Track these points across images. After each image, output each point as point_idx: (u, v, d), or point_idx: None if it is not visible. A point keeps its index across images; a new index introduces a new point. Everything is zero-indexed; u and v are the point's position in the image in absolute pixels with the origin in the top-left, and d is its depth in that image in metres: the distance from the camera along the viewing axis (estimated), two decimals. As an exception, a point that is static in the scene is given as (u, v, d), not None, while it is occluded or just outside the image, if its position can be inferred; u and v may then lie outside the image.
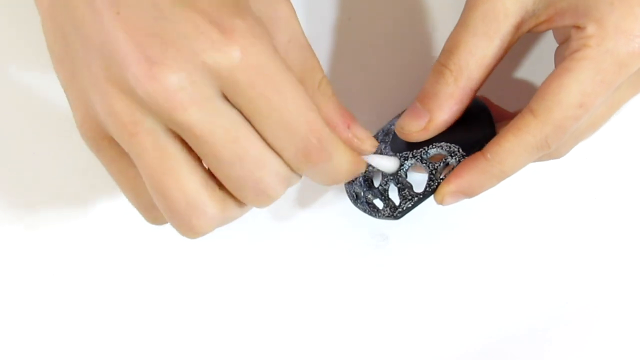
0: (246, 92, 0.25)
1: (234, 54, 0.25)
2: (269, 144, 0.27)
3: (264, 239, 0.39)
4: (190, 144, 0.26)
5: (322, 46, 0.38)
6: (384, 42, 0.39)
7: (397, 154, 0.34)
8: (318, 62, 0.30)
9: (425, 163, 0.33)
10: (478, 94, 0.34)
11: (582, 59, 0.29)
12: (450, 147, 0.33)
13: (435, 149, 0.33)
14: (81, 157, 0.37)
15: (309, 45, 0.30)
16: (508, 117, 0.35)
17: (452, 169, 0.32)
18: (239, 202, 0.28)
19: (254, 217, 0.38)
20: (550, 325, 0.39)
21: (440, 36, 0.38)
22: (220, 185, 0.27)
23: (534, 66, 0.38)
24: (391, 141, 0.35)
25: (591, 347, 0.39)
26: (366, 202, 0.35)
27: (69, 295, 0.39)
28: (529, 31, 0.31)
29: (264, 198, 0.28)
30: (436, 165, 0.33)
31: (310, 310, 0.39)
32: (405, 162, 0.34)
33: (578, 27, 0.29)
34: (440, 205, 0.32)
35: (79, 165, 0.38)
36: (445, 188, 0.32)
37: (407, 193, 0.33)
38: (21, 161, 0.38)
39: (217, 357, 0.39)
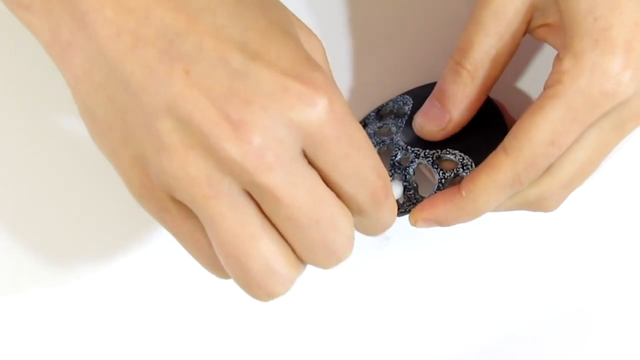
0: (330, 146, 0.24)
1: (321, 107, 0.24)
2: (340, 194, 0.26)
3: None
4: (264, 205, 0.25)
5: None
6: (384, 40, 0.38)
7: (409, 148, 0.33)
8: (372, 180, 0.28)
9: (437, 168, 0.33)
10: (498, 100, 0.34)
11: (552, 96, 0.29)
12: (464, 159, 0.32)
13: (449, 155, 0.33)
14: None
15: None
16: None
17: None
18: (308, 262, 0.27)
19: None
20: (550, 325, 0.39)
21: (442, 32, 0.38)
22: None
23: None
24: (403, 129, 0.34)
25: (591, 347, 0.39)
26: None
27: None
28: (536, 29, 0.31)
29: (333, 260, 0.26)
30: (447, 174, 0.32)
31: (310, 310, 0.39)
32: (416, 159, 0.33)
33: (557, 57, 0.29)
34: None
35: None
36: (419, 214, 0.32)
37: (413, 195, 0.33)
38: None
39: (217, 357, 0.39)
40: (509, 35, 0.31)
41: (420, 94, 0.34)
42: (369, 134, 0.35)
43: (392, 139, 0.34)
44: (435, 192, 0.33)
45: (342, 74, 0.38)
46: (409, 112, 0.34)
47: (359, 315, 0.39)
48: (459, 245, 0.39)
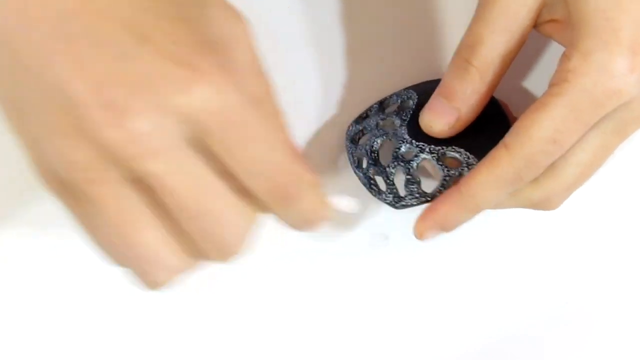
0: (217, 134, 0.24)
1: (205, 95, 0.23)
2: (241, 184, 0.25)
3: (263, 238, 0.38)
4: (153, 190, 0.24)
5: (321, 44, 0.38)
6: (384, 34, 0.38)
7: (414, 142, 0.33)
8: (272, 90, 0.27)
9: (441, 165, 0.33)
10: (501, 99, 0.34)
11: (557, 94, 0.29)
12: (469, 158, 0.32)
13: (454, 153, 0.33)
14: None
15: (264, 71, 0.27)
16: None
17: None
18: (199, 254, 0.26)
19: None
20: (550, 325, 0.39)
21: (443, 28, 0.38)
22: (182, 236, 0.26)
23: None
24: (408, 123, 0.34)
25: (591, 347, 0.39)
26: (368, 176, 0.34)
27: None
28: (543, 25, 0.31)
29: (221, 254, 0.26)
30: (451, 172, 0.32)
31: (310, 310, 0.39)
32: (421, 154, 0.33)
33: (564, 55, 0.29)
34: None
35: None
36: (422, 224, 0.32)
37: (416, 189, 0.33)
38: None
39: (217, 357, 0.39)
40: (518, 33, 0.30)
41: (425, 90, 0.34)
42: (371, 126, 0.35)
43: (395, 132, 0.34)
44: (439, 189, 0.33)
45: (343, 68, 0.38)
46: (413, 107, 0.34)
47: (358, 314, 0.39)
48: (459, 245, 0.39)
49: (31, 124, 0.24)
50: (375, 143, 0.34)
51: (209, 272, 0.38)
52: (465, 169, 0.32)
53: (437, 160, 0.33)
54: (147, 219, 0.25)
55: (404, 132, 0.34)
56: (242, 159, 0.24)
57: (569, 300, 0.39)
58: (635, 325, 0.39)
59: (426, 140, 0.33)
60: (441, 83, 0.32)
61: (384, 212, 0.38)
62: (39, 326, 0.38)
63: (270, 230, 0.38)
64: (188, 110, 0.23)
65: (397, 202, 0.33)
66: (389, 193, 0.34)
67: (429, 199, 0.33)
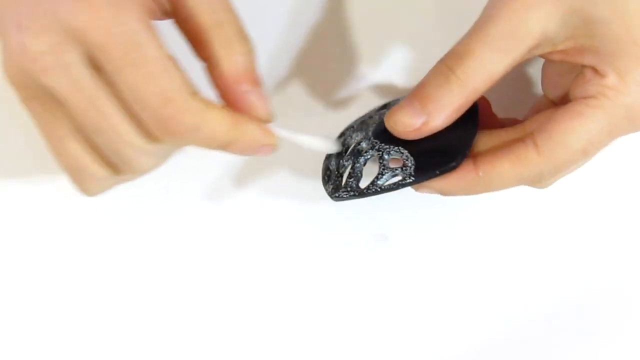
0: (106, 57, 0.25)
1: (94, 17, 0.25)
2: (130, 113, 0.27)
3: (263, 238, 0.39)
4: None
5: (318, 45, 0.38)
6: (383, 41, 0.39)
7: (371, 138, 0.32)
8: (233, 16, 0.28)
9: (381, 162, 0.32)
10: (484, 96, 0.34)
11: (596, 107, 0.29)
12: (407, 160, 0.31)
13: (397, 154, 0.32)
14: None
15: None
16: (497, 124, 0.34)
17: (394, 184, 0.31)
18: (116, 168, 0.29)
19: (255, 216, 0.38)
20: (550, 325, 0.39)
21: (438, 35, 0.38)
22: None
23: (529, 70, 0.38)
24: (376, 125, 0.33)
25: (592, 347, 0.39)
26: (327, 165, 0.34)
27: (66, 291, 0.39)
28: (540, 56, 0.31)
29: (128, 168, 0.28)
30: (385, 172, 0.32)
31: (310, 310, 0.39)
32: (370, 150, 0.32)
33: (596, 72, 0.29)
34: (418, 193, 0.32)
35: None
36: (428, 185, 0.32)
37: (352, 183, 0.32)
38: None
39: (216, 356, 0.39)
40: (512, 57, 0.29)
41: None
42: (362, 120, 0.34)
43: (368, 128, 0.33)
44: (368, 186, 0.32)
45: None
46: (375, 117, 0.34)
47: (358, 315, 0.39)
48: (458, 245, 0.39)
49: None
50: (350, 137, 0.34)
51: (208, 273, 0.39)
52: (399, 170, 0.31)
53: (380, 157, 0.32)
54: (69, 132, 0.27)
55: (372, 128, 0.33)
56: (125, 87, 0.26)
57: (569, 300, 0.39)
58: (635, 325, 0.39)
59: (385, 139, 0.32)
60: (417, 85, 0.31)
61: (384, 212, 0.38)
62: (38, 326, 0.39)
63: (269, 230, 0.39)
64: (80, 30, 0.25)
65: (333, 192, 0.33)
66: (331, 183, 0.33)
67: (357, 195, 0.32)
